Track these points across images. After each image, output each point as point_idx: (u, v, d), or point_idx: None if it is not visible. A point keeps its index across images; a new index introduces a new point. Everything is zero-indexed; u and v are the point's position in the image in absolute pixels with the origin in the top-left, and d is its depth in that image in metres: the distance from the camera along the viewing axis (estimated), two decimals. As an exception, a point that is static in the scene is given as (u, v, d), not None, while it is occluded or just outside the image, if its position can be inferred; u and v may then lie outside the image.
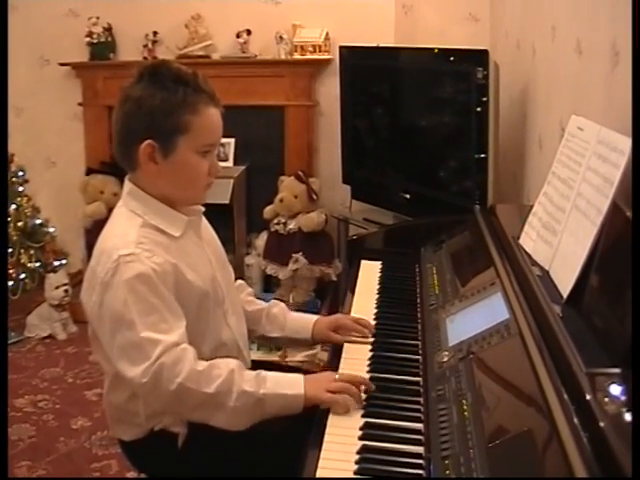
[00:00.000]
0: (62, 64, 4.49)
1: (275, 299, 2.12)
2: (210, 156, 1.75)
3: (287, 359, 3.54)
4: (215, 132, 1.75)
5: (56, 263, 4.15)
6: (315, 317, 2.02)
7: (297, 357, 3.59)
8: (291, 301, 4.07)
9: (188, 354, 1.60)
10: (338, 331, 1.93)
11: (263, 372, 1.67)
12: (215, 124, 1.73)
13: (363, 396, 1.59)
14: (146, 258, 1.62)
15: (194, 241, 1.81)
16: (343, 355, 1.82)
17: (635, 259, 1.16)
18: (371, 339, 1.87)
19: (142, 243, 1.65)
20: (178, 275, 1.67)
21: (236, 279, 2.03)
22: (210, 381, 1.59)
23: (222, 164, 4.23)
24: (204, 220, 1.91)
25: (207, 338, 1.77)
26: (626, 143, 1.41)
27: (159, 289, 1.62)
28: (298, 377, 1.66)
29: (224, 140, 4.26)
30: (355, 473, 1.34)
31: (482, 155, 2.89)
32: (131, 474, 2.76)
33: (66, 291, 4.02)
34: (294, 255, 4.10)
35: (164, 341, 1.58)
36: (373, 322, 1.96)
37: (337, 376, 1.63)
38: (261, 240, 4.35)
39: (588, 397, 1.11)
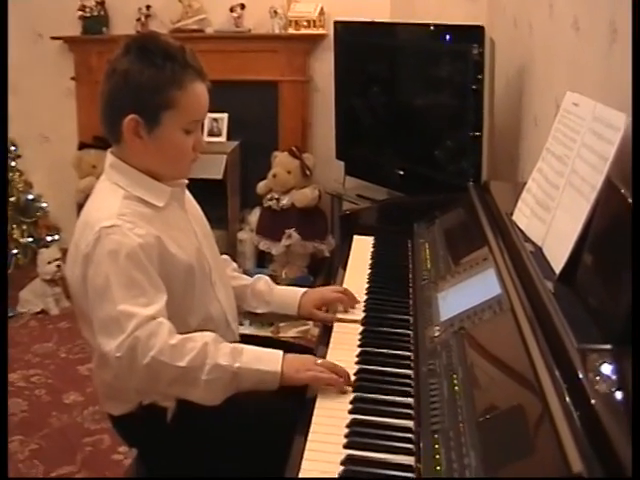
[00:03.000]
0: (54, 38, 4.45)
1: (268, 275, 2.11)
2: (195, 132, 1.73)
3: (280, 335, 3.54)
4: (201, 108, 1.73)
5: (49, 238, 4.17)
6: (302, 290, 2.00)
7: (289, 333, 3.59)
8: (284, 277, 4.08)
9: (163, 328, 1.58)
10: (326, 309, 1.93)
11: (241, 345, 1.65)
12: (201, 100, 1.72)
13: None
14: (128, 230, 1.61)
15: (178, 213, 1.80)
16: (334, 330, 1.82)
17: (635, 241, 1.15)
18: (358, 317, 1.86)
19: (124, 215, 1.63)
20: (161, 248, 1.66)
21: (222, 254, 2.01)
22: (183, 354, 1.57)
23: (215, 139, 4.28)
24: (187, 193, 1.89)
25: (194, 311, 1.76)
26: (621, 119, 1.40)
27: (141, 262, 1.60)
28: (277, 353, 1.63)
29: (217, 115, 4.26)
30: (344, 446, 1.34)
31: (477, 133, 2.88)
32: (123, 449, 2.77)
33: (59, 266, 4.01)
34: (287, 231, 4.10)
35: (139, 314, 1.56)
36: (364, 297, 1.96)
37: (319, 361, 1.61)
38: (254, 216, 4.35)
39: (580, 375, 1.10)
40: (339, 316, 1.88)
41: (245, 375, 1.59)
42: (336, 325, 1.84)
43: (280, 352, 1.64)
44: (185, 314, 1.73)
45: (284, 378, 1.59)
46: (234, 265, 2.09)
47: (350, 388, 1.54)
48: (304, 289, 2.02)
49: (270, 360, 1.61)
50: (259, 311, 2.01)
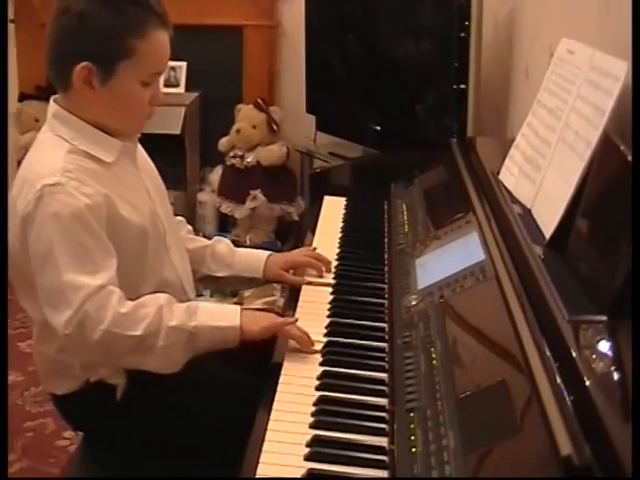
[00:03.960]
0: (-8, -27, 4.36)
1: (231, 241, 2.09)
2: (153, 85, 1.71)
3: (244, 306, 3.53)
4: (162, 59, 1.72)
5: (-14, 199, 4.09)
6: (267, 253, 2.01)
7: (254, 304, 3.59)
8: (248, 242, 4.08)
9: (112, 297, 1.57)
10: (294, 271, 1.94)
11: (195, 303, 1.66)
12: (163, 50, 1.70)
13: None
14: (73, 189, 1.58)
15: (130, 170, 1.78)
16: (301, 298, 1.82)
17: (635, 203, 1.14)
18: (331, 281, 1.87)
19: (69, 171, 1.61)
20: (110, 208, 1.64)
21: (175, 216, 2.00)
22: (137, 322, 1.57)
23: (173, 90, 4.22)
24: (140, 148, 1.87)
25: (147, 278, 1.75)
26: (622, 68, 1.38)
27: (89, 224, 1.58)
28: (234, 308, 1.66)
29: (175, 64, 4.21)
30: (311, 426, 1.34)
31: (462, 86, 2.86)
32: (68, 434, 2.75)
33: (-3, 230, 3.96)
34: (252, 192, 4.09)
35: (87, 285, 1.55)
36: (335, 263, 1.96)
37: (280, 320, 1.64)
38: (216, 175, 4.32)
39: (573, 353, 1.10)
40: (309, 279, 1.89)
41: (203, 334, 1.60)
42: (303, 292, 1.84)
43: (237, 306, 1.67)
44: (137, 281, 1.71)
45: (244, 332, 1.61)
46: (189, 227, 2.08)
47: (318, 356, 1.54)
48: (269, 252, 2.02)
49: (228, 315, 1.63)
50: (219, 274, 2.01)
